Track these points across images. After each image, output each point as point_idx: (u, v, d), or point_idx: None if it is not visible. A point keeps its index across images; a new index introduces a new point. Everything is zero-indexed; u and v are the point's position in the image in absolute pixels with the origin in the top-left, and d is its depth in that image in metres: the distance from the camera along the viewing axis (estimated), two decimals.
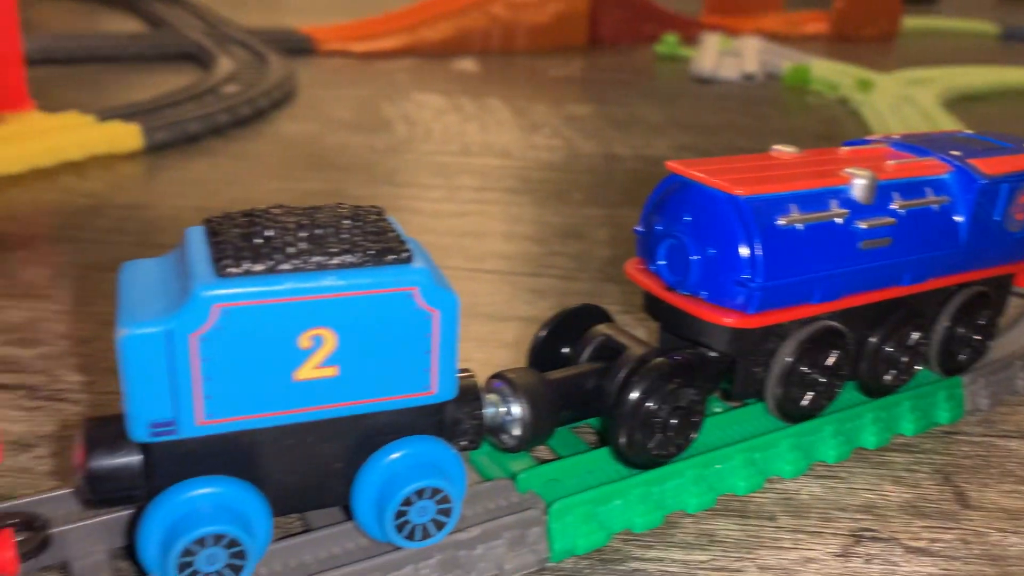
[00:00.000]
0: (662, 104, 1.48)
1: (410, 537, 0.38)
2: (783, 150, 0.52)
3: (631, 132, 1.29)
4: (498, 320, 0.69)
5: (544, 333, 0.50)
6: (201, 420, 0.34)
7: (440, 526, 0.39)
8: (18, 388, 0.57)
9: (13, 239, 0.82)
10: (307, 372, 0.35)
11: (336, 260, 0.35)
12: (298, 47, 1.72)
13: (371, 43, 1.78)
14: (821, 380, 0.49)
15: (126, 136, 1.07)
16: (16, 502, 0.40)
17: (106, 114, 1.12)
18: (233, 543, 0.35)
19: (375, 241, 0.36)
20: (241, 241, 0.35)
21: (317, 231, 0.36)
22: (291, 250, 0.35)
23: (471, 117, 1.33)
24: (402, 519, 0.38)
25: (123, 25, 1.94)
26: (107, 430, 0.36)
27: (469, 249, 0.83)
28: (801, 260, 0.46)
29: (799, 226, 0.46)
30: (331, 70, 1.64)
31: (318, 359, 0.35)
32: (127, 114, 1.13)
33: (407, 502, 0.37)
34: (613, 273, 0.78)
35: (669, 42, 1.91)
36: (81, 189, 0.96)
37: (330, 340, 0.35)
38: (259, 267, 0.34)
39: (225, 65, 1.46)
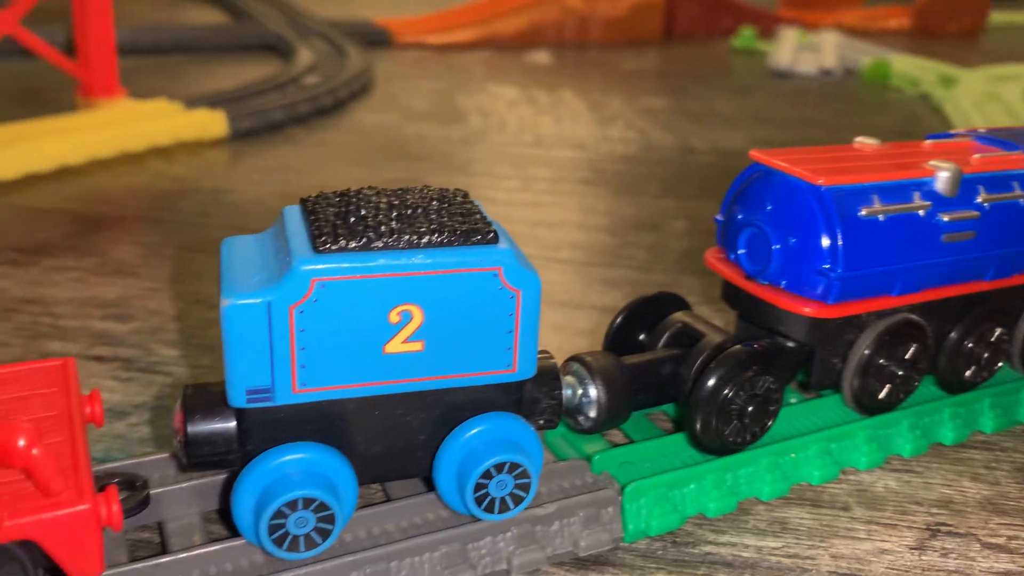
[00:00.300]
0: (738, 98, 1.47)
1: (489, 510, 0.39)
2: (866, 142, 0.51)
3: (707, 125, 1.28)
4: (572, 308, 0.70)
5: (621, 319, 0.51)
6: (296, 389, 0.36)
7: (518, 500, 0.40)
8: (113, 360, 0.59)
9: (105, 220, 0.85)
10: (395, 346, 0.37)
11: (425, 239, 0.36)
12: (375, 39, 1.75)
13: (447, 35, 1.80)
14: (899, 373, 0.49)
15: (212, 123, 1.11)
16: (118, 463, 0.42)
17: (193, 102, 1.15)
18: (322, 507, 0.36)
19: (462, 222, 0.38)
20: (337, 220, 0.36)
21: (407, 211, 0.38)
22: (383, 229, 0.36)
23: (545, 109, 1.34)
24: (482, 491, 0.39)
25: (205, 16, 1.99)
26: (205, 397, 0.38)
27: (543, 238, 0.84)
28: (882, 251, 0.46)
29: (881, 217, 0.46)
30: (407, 62, 1.66)
31: (406, 334, 0.37)
32: (213, 102, 1.17)
33: (487, 475, 0.38)
34: (688, 265, 0.78)
35: (746, 36, 1.89)
36: (169, 173, 1.00)
37: (417, 316, 0.37)
38: (354, 244, 0.35)
39: (305, 56, 1.49)
